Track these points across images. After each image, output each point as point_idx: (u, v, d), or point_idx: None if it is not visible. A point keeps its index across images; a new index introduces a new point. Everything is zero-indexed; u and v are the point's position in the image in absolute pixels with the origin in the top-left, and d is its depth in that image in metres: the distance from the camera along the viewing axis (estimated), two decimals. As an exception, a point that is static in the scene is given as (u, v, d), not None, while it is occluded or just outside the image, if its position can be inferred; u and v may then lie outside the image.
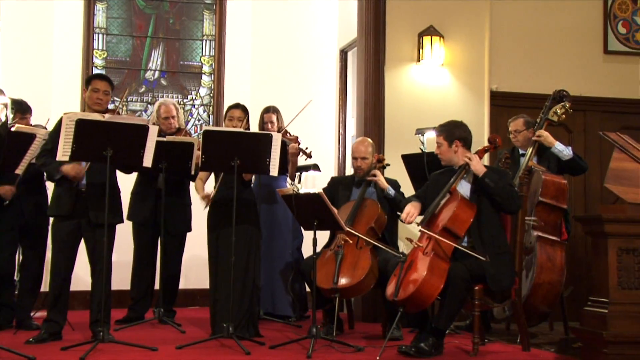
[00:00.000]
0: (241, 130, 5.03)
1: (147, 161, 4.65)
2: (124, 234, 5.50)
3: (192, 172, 5.47)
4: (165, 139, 5.48)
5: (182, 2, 7.72)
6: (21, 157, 4.60)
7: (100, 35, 7.50)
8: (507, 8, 6.73)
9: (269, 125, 5.98)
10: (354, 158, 5.47)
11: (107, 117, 4.67)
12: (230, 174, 4.84)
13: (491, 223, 4.61)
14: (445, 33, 6.41)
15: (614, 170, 4.51)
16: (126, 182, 5.31)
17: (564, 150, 5.46)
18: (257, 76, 7.61)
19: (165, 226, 5.61)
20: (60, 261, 4.81)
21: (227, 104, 5.57)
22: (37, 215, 5.42)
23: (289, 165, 5.84)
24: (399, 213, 4.83)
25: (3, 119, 5.13)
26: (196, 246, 6.03)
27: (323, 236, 5.23)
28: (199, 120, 7.70)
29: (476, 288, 4.51)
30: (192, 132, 7.58)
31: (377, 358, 4.33)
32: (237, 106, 5.29)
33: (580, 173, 5.79)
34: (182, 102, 7.62)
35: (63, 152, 4.49)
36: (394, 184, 5.50)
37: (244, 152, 4.79)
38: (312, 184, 7.14)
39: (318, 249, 4.87)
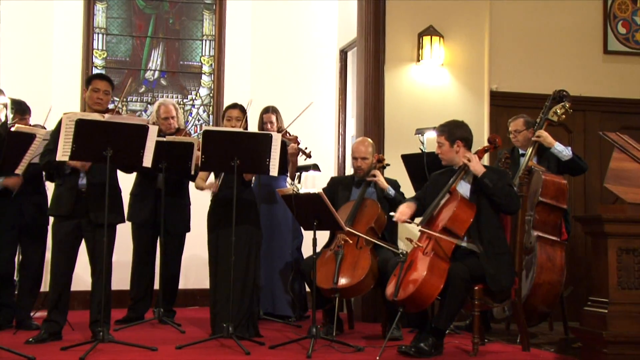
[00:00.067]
0: (241, 130, 5.03)
1: (147, 161, 4.65)
2: (124, 234, 5.50)
3: (192, 172, 5.47)
4: (165, 139, 5.48)
5: (182, 2, 7.72)
6: (21, 157, 4.59)
7: (100, 35, 7.50)
8: (507, 8, 6.73)
9: (269, 126, 5.98)
10: (354, 158, 5.47)
11: (107, 117, 4.67)
12: (230, 174, 4.84)
13: (491, 223, 4.61)
14: (445, 33, 6.41)
15: (614, 170, 4.51)
16: (125, 183, 5.31)
17: (563, 151, 5.46)
18: (257, 76, 7.61)
19: (164, 226, 5.61)
20: (60, 261, 4.80)
21: (227, 104, 5.57)
22: (37, 215, 5.42)
23: (289, 165, 5.84)
24: (392, 213, 4.83)
25: (3, 119, 5.13)
26: (196, 246, 6.03)
27: (323, 236, 5.23)
28: (198, 120, 7.70)
29: (476, 288, 4.51)
30: (192, 132, 7.58)
31: (377, 358, 4.33)
32: (235, 106, 5.29)
33: (580, 173, 5.79)
34: (182, 102, 7.62)
35: (63, 152, 4.49)
36: (394, 184, 5.50)
37: (244, 152, 4.79)
38: (312, 184, 7.14)
39: (318, 249, 4.87)
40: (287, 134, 5.94)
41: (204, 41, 7.74)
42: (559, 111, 5.55)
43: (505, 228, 4.78)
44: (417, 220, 4.76)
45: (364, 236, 5.10)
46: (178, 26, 7.72)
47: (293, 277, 5.96)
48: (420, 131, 5.87)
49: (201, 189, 5.23)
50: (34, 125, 5.43)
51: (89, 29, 7.40)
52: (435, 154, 4.89)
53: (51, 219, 5.10)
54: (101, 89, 4.93)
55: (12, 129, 4.67)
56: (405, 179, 5.75)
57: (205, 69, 7.74)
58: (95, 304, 4.76)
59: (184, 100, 7.66)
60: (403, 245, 5.60)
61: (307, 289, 5.70)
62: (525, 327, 4.82)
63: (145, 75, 7.63)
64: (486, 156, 5.32)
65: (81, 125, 4.47)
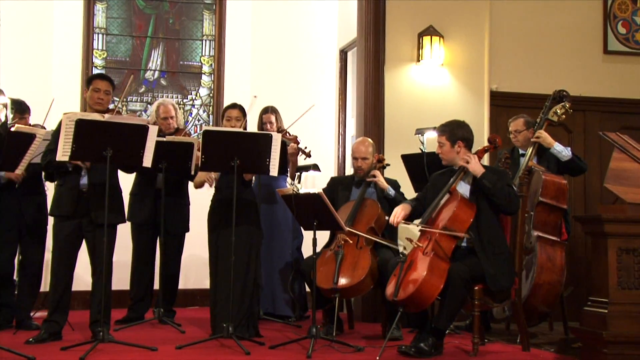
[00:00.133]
0: (241, 130, 5.03)
1: (147, 161, 4.65)
2: (124, 234, 5.50)
3: (192, 172, 5.47)
4: (165, 139, 5.48)
5: (182, 2, 7.72)
6: (21, 157, 4.60)
7: (100, 35, 7.50)
8: (507, 8, 6.73)
9: (268, 126, 5.98)
10: (355, 158, 5.47)
11: (106, 117, 4.67)
12: (230, 174, 4.84)
13: (490, 223, 4.61)
14: (445, 33, 6.41)
15: (614, 170, 4.51)
16: (125, 183, 5.31)
17: (562, 151, 5.46)
18: (256, 76, 7.61)
19: (164, 226, 5.61)
20: (61, 262, 4.80)
21: (227, 103, 5.57)
22: (37, 215, 5.42)
23: (289, 165, 5.84)
24: (387, 218, 4.83)
25: (3, 119, 5.12)
26: (196, 246, 6.03)
27: (323, 236, 5.23)
28: (198, 120, 7.70)
29: (476, 288, 4.52)
30: (192, 132, 7.58)
31: (377, 358, 4.33)
32: (234, 106, 5.29)
33: (580, 174, 5.79)
34: (182, 102, 7.62)
35: (63, 152, 4.49)
36: (394, 184, 5.50)
37: (244, 152, 4.78)
38: (312, 184, 7.14)
39: (318, 249, 4.87)
40: (287, 134, 5.94)
41: (204, 41, 7.74)
42: (559, 111, 5.55)
43: (505, 228, 4.79)
44: (417, 220, 4.75)
45: (365, 235, 5.10)
46: (178, 26, 7.72)
47: (293, 277, 5.96)
48: (420, 131, 5.87)
49: (200, 183, 5.22)
50: (34, 125, 5.43)
51: (89, 29, 7.40)
52: (435, 154, 4.89)
53: (51, 219, 5.10)
54: (102, 89, 4.93)
55: (12, 128, 4.67)
56: (405, 179, 5.75)
57: (205, 69, 7.73)
58: (95, 304, 4.76)
59: (184, 100, 7.66)
60: (403, 246, 5.61)
61: (307, 289, 5.70)
62: (525, 327, 4.82)
63: (145, 75, 7.63)
64: (486, 156, 5.32)
65: (81, 125, 4.46)
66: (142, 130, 4.59)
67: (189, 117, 7.66)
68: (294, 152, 5.83)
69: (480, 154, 4.81)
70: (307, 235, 5.20)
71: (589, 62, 6.88)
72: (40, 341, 4.69)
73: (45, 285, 5.68)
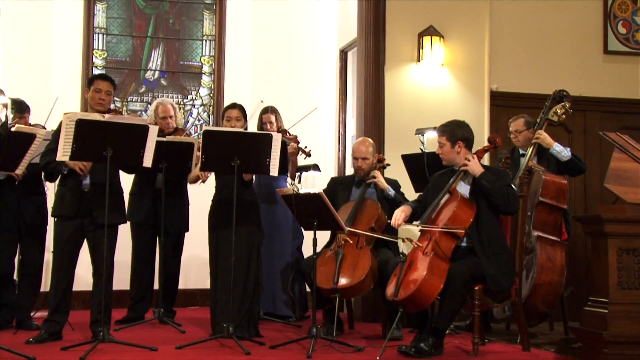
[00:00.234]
0: (241, 130, 5.03)
1: (147, 161, 4.64)
2: (123, 234, 5.50)
3: (193, 172, 5.47)
4: (165, 139, 5.48)
5: (182, 2, 7.72)
6: (21, 157, 4.60)
7: (100, 35, 7.50)
8: (507, 8, 6.73)
9: (268, 126, 5.98)
10: (355, 158, 5.47)
11: (107, 117, 4.67)
12: (231, 174, 4.83)
13: (490, 224, 4.61)
14: (445, 33, 6.41)
15: (614, 170, 4.51)
16: (125, 183, 5.30)
17: (562, 152, 5.46)
18: (257, 76, 7.61)
19: (163, 226, 5.61)
20: (63, 261, 4.80)
21: (227, 103, 5.57)
22: (37, 215, 5.42)
23: (289, 165, 5.84)
24: (388, 221, 4.83)
25: (3, 119, 5.13)
26: (196, 246, 6.03)
27: (323, 236, 5.23)
28: (199, 120, 7.70)
29: (476, 288, 4.52)
30: (192, 132, 7.58)
31: (377, 358, 4.33)
32: (234, 106, 5.28)
33: (579, 174, 5.79)
34: (182, 102, 7.62)
35: (63, 152, 4.49)
36: (394, 184, 5.50)
37: (244, 152, 4.78)
38: (312, 184, 7.15)
39: (318, 249, 4.87)
40: (287, 134, 5.94)
41: (204, 41, 7.74)
42: (559, 111, 5.55)
43: (505, 228, 4.79)
44: (416, 222, 4.75)
45: (366, 233, 5.09)
46: (178, 26, 7.72)
47: (293, 277, 5.96)
48: (420, 131, 5.87)
49: (195, 178, 5.20)
50: (34, 125, 5.43)
51: (89, 29, 7.39)
52: (435, 154, 4.89)
53: (51, 219, 5.10)
54: (103, 89, 4.93)
55: (12, 128, 4.67)
56: (405, 179, 5.74)
57: (206, 69, 7.73)
58: (96, 304, 4.75)
59: (184, 100, 7.66)
60: (403, 246, 5.61)
61: (308, 289, 5.70)
62: (525, 327, 4.83)
63: (146, 75, 7.63)
64: (486, 156, 5.32)
65: (81, 125, 4.46)
66: (143, 130, 4.59)
67: (190, 117, 7.66)
68: (293, 151, 5.83)
69: (480, 154, 4.81)
70: (308, 235, 5.20)
71: (589, 62, 6.89)
72: (40, 341, 4.69)
73: (45, 285, 5.68)
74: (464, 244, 4.62)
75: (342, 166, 7.52)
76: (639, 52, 6.99)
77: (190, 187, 5.82)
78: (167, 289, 5.78)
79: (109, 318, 4.84)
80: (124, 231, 5.54)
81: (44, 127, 5.43)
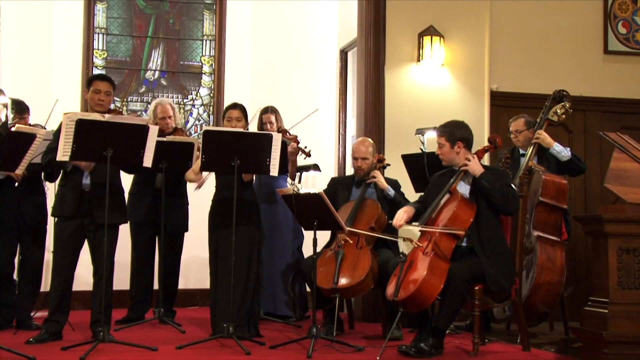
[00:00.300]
0: (241, 130, 5.03)
1: (147, 161, 4.64)
2: (123, 234, 5.50)
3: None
4: (165, 139, 5.48)
5: (182, 2, 7.72)
6: (21, 157, 4.59)
7: (101, 35, 7.50)
8: (507, 8, 6.73)
9: (268, 126, 5.98)
10: (355, 158, 5.47)
11: (107, 117, 4.67)
12: (231, 174, 4.83)
13: (490, 224, 4.61)
14: (445, 33, 6.41)
15: (614, 170, 4.51)
16: (125, 182, 5.30)
17: (562, 152, 5.46)
18: (257, 76, 7.61)
19: (162, 225, 5.61)
20: (63, 261, 4.79)
21: (227, 103, 5.57)
22: (37, 215, 5.42)
23: (289, 165, 5.83)
24: (390, 221, 4.83)
25: (3, 119, 5.13)
26: (196, 246, 6.03)
27: (324, 236, 5.23)
28: (199, 120, 7.70)
29: (476, 288, 4.52)
30: (192, 132, 7.58)
31: (377, 358, 4.33)
32: (235, 106, 5.27)
33: (579, 174, 5.79)
34: (182, 102, 7.62)
35: (63, 152, 4.49)
36: (394, 184, 5.50)
37: (244, 152, 4.78)
38: (313, 184, 7.14)
39: (318, 249, 4.87)
40: (287, 134, 5.94)
41: (204, 41, 7.74)
42: (559, 111, 5.55)
43: (505, 228, 4.79)
44: (415, 223, 4.75)
45: (366, 232, 5.09)
46: (178, 26, 7.72)
47: (293, 277, 5.96)
48: (420, 131, 5.87)
49: (192, 175, 5.20)
50: (34, 125, 5.43)
51: (89, 29, 7.39)
52: (435, 154, 4.89)
53: (50, 219, 5.10)
54: (102, 90, 4.93)
55: (13, 129, 4.67)
56: (405, 179, 5.75)
57: (206, 69, 7.74)
58: (96, 304, 4.75)
59: (184, 100, 7.66)
60: (403, 246, 5.61)
61: (308, 289, 5.70)
62: (525, 327, 4.83)
63: (146, 75, 7.63)
64: (487, 156, 5.32)
65: (81, 125, 4.46)
66: (143, 130, 4.59)
67: (190, 117, 7.66)
68: (293, 151, 5.83)
69: (480, 154, 4.81)
70: (308, 235, 5.20)
71: (589, 62, 6.89)
72: (40, 341, 4.69)
73: (45, 285, 5.68)
74: (464, 244, 4.62)
75: (342, 166, 7.52)
76: (639, 52, 6.99)
77: (190, 187, 5.82)
78: (167, 288, 5.78)
79: (109, 318, 4.84)
80: (124, 231, 5.55)
81: (44, 127, 5.42)
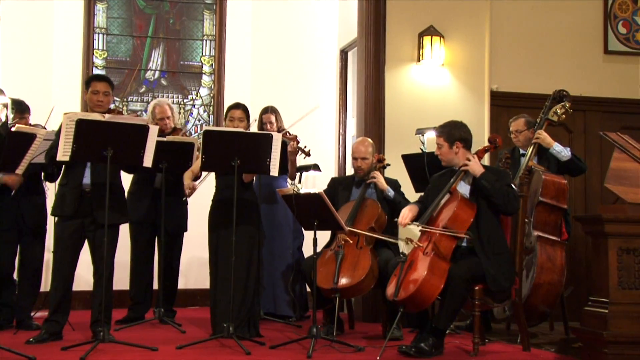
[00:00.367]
0: (241, 130, 5.03)
1: (148, 161, 4.64)
2: (122, 234, 5.50)
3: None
4: (165, 139, 5.48)
5: (182, 2, 7.72)
6: (21, 157, 4.59)
7: (101, 35, 7.50)
8: (507, 8, 6.73)
9: (268, 126, 5.98)
10: (354, 158, 5.47)
11: (107, 117, 4.67)
12: (231, 174, 4.83)
13: (490, 224, 4.61)
14: (445, 33, 6.41)
15: (614, 170, 4.51)
16: (124, 182, 5.30)
17: (562, 152, 5.46)
18: (257, 76, 7.61)
19: (162, 225, 5.61)
20: (63, 261, 4.79)
21: (227, 103, 5.57)
22: (36, 215, 5.42)
23: (289, 165, 5.83)
24: (396, 219, 4.83)
25: (3, 119, 5.12)
26: (196, 246, 6.03)
27: (324, 236, 5.23)
28: (199, 120, 7.70)
29: (476, 288, 4.52)
30: (192, 132, 7.58)
31: (378, 358, 4.33)
32: (237, 106, 5.27)
33: (579, 174, 5.79)
34: (182, 102, 7.62)
35: (63, 152, 4.49)
36: (394, 184, 5.50)
37: (244, 152, 4.78)
38: (313, 184, 7.15)
39: (318, 249, 4.87)
40: (287, 134, 5.94)
41: (204, 41, 7.74)
42: (559, 111, 5.55)
43: (505, 228, 4.79)
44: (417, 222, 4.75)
45: (366, 233, 5.09)
46: (178, 26, 7.72)
47: (294, 277, 5.96)
48: (420, 131, 5.87)
49: (190, 175, 5.19)
50: (35, 125, 5.42)
51: (89, 29, 7.39)
52: (435, 154, 4.89)
53: (50, 219, 5.09)
54: (100, 90, 4.92)
55: (13, 128, 4.67)
56: (405, 179, 5.75)
57: (206, 69, 7.74)
58: (96, 304, 4.75)
59: (185, 100, 7.66)
60: (403, 246, 5.60)
61: (308, 289, 5.70)
62: (525, 327, 4.83)
63: (146, 75, 7.63)
64: (487, 156, 5.32)
65: (81, 125, 4.46)
66: (143, 130, 4.59)
67: (190, 117, 7.66)
68: (293, 151, 5.82)
69: (480, 154, 4.82)
70: (308, 235, 5.19)
71: (590, 62, 6.89)
72: (40, 341, 4.69)
73: (45, 285, 5.68)
74: (464, 244, 4.62)
75: (342, 166, 7.52)
76: (639, 52, 6.99)
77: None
78: (167, 288, 5.78)
79: (109, 318, 4.84)
80: (123, 231, 5.55)
81: (44, 127, 5.42)
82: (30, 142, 4.57)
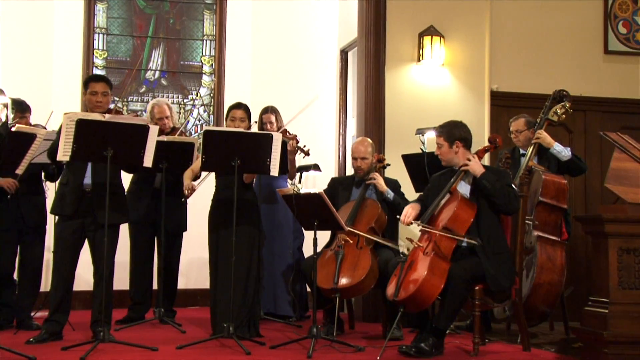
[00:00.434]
0: (241, 130, 5.03)
1: (148, 161, 4.64)
2: (122, 234, 5.49)
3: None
4: (165, 139, 5.48)
5: (182, 2, 7.72)
6: (21, 157, 4.59)
7: (101, 35, 7.50)
8: (507, 8, 6.73)
9: (268, 126, 5.98)
10: (354, 158, 5.47)
11: (107, 117, 4.66)
12: (231, 174, 4.83)
13: (490, 224, 4.61)
14: (445, 33, 6.41)
15: (615, 170, 4.52)
16: (124, 182, 5.30)
17: (562, 151, 5.46)
18: (257, 76, 7.61)
19: (162, 225, 5.60)
20: (64, 261, 4.79)
21: (227, 103, 5.57)
22: (36, 215, 5.42)
23: (288, 165, 5.83)
24: (398, 217, 4.83)
25: (3, 119, 5.13)
26: (196, 246, 6.03)
27: (324, 236, 5.23)
28: (199, 120, 7.70)
29: (476, 288, 4.52)
30: (193, 132, 7.58)
31: (378, 358, 4.33)
32: (239, 106, 5.27)
33: (579, 174, 5.79)
34: (182, 102, 7.62)
35: (64, 152, 4.49)
36: (394, 184, 5.50)
37: (244, 152, 4.78)
38: (313, 184, 7.14)
39: (319, 249, 4.87)
40: (287, 133, 5.94)
41: (204, 41, 7.74)
42: (559, 111, 5.55)
43: (505, 228, 4.78)
44: (418, 220, 4.75)
45: (365, 235, 5.09)
46: (178, 26, 7.72)
47: (294, 277, 5.96)
48: (420, 131, 5.87)
49: (190, 174, 5.18)
50: (35, 125, 5.43)
51: (89, 29, 7.40)
52: (435, 154, 4.89)
53: (50, 219, 5.09)
54: (99, 91, 4.90)
55: (13, 128, 4.67)
56: (405, 178, 5.75)
57: (206, 68, 7.74)
58: (97, 304, 4.75)
59: (185, 100, 7.66)
60: (403, 246, 5.60)
61: (308, 289, 5.70)
62: (525, 327, 4.83)
63: (146, 75, 7.63)
64: (487, 156, 5.33)
65: (81, 125, 4.46)
66: (143, 130, 4.59)
67: (190, 117, 7.66)
68: (292, 149, 5.82)
69: (480, 153, 4.82)
70: (308, 235, 5.19)
71: (590, 62, 6.89)
72: (40, 341, 4.69)
73: (45, 285, 5.68)
74: (464, 244, 4.62)
75: (342, 166, 7.52)
76: (639, 52, 6.99)
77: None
78: (167, 288, 5.78)
79: (110, 318, 4.84)
80: (123, 231, 5.55)
81: (44, 127, 5.42)
82: (30, 142, 4.57)
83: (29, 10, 7.11)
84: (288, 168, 5.79)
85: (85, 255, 4.89)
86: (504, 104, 6.67)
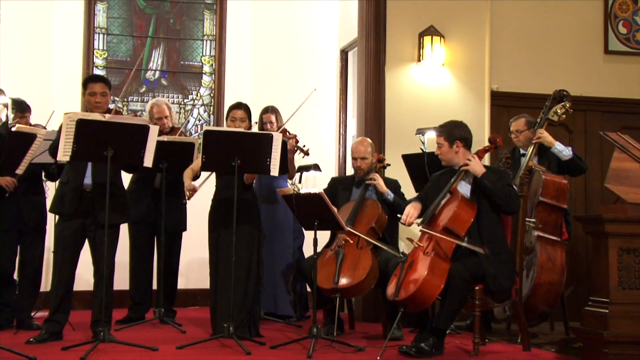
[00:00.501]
0: (241, 130, 5.02)
1: (148, 161, 4.64)
2: (122, 234, 5.49)
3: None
4: (165, 139, 5.48)
5: (182, 2, 7.72)
6: (21, 157, 4.59)
7: (101, 35, 7.50)
8: (507, 8, 6.73)
9: (268, 126, 5.98)
10: (354, 158, 5.47)
11: (107, 117, 4.66)
12: (231, 174, 4.83)
13: (491, 223, 4.61)
14: (445, 33, 6.41)
15: (615, 170, 4.51)
16: (124, 181, 5.31)
17: (563, 151, 5.46)
18: (257, 76, 7.61)
19: (162, 225, 5.60)
20: (64, 261, 4.79)
21: (227, 103, 5.56)
22: (36, 215, 5.42)
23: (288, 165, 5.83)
24: (399, 215, 4.83)
25: (3, 119, 5.13)
26: (196, 246, 6.03)
27: (324, 236, 5.23)
28: (199, 120, 7.70)
29: (476, 288, 4.51)
30: (193, 132, 7.58)
31: (378, 358, 4.33)
32: (239, 106, 5.26)
33: (580, 174, 5.79)
34: (182, 102, 7.62)
35: (64, 152, 4.49)
36: (394, 184, 5.50)
37: (244, 152, 4.78)
38: (313, 184, 7.14)
39: (319, 249, 4.87)
40: (287, 133, 5.94)
41: (204, 41, 7.74)
42: (559, 111, 5.55)
43: (506, 228, 4.78)
44: (418, 220, 4.76)
45: (364, 237, 5.10)
46: (179, 26, 7.72)
47: (294, 277, 5.96)
48: (420, 131, 5.87)
49: (190, 173, 5.18)
50: (35, 125, 5.43)
51: (89, 29, 7.39)
52: (435, 154, 4.89)
53: (51, 219, 5.09)
54: (97, 91, 4.89)
55: (13, 128, 4.67)
56: (405, 178, 5.75)
57: (206, 68, 7.74)
58: (97, 304, 4.75)
59: (185, 100, 7.66)
60: (403, 246, 5.61)
61: (308, 289, 5.70)
62: (525, 327, 4.83)
63: (146, 75, 7.63)
64: (487, 156, 5.32)
65: (82, 125, 4.46)
66: (143, 130, 4.59)
67: (190, 117, 7.66)
68: (291, 149, 5.82)
69: (480, 153, 4.81)
70: (308, 235, 5.19)
71: (590, 62, 6.89)
72: (41, 341, 4.69)
73: (45, 285, 5.68)
74: (464, 244, 4.61)
75: (342, 166, 7.53)
76: (639, 52, 6.99)
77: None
78: (167, 288, 5.78)
79: (110, 318, 4.84)
80: (123, 231, 5.54)
81: (44, 127, 5.42)
82: (30, 142, 4.57)
83: (29, 10, 7.11)
84: (288, 168, 5.79)
85: (85, 255, 4.89)
86: (504, 104, 6.67)
